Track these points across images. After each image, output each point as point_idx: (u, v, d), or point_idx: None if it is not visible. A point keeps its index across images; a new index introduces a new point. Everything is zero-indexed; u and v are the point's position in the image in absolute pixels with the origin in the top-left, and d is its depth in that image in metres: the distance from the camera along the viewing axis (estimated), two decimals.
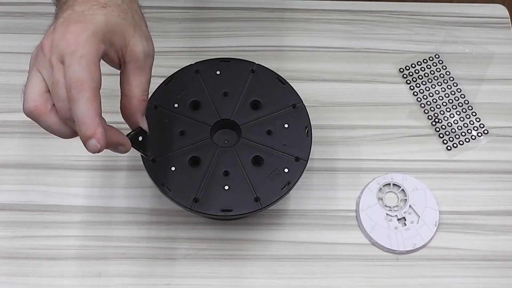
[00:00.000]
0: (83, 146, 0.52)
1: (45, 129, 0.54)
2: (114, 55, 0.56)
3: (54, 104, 0.53)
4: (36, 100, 0.52)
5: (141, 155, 0.65)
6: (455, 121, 0.80)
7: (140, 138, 0.60)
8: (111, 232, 0.73)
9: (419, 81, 0.83)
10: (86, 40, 0.51)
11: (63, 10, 0.55)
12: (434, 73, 0.84)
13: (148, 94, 0.58)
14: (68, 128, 0.54)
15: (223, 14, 0.86)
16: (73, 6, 0.54)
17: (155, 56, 0.59)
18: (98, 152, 0.52)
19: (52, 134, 0.78)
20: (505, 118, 0.81)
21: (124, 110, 0.58)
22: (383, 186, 0.76)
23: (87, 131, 0.51)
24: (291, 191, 0.67)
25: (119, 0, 0.56)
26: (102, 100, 0.52)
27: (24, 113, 0.53)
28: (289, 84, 0.71)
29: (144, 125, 0.59)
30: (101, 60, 0.54)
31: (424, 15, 0.87)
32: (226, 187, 0.66)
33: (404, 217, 0.74)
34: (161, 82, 0.70)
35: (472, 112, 0.81)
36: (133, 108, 0.57)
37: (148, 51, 0.57)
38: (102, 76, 0.53)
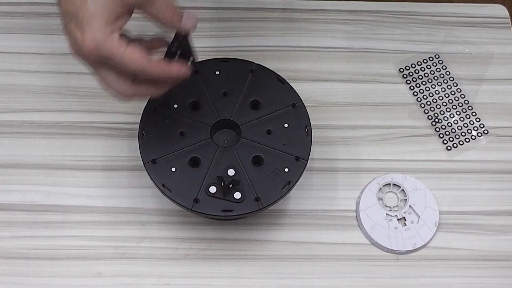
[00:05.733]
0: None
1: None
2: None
3: None
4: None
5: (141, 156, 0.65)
6: (455, 121, 0.80)
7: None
8: (111, 232, 0.73)
9: (419, 81, 0.83)
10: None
11: None
12: (434, 73, 0.84)
13: (175, 4, 0.58)
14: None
15: (223, 14, 0.86)
16: None
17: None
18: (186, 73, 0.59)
19: (51, 134, 0.78)
20: (505, 118, 0.81)
21: (165, 27, 0.59)
22: (383, 186, 0.76)
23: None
24: (291, 191, 0.67)
25: None
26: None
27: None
28: (289, 84, 0.71)
29: (187, 24, 0.59)
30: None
31: (424, 15, 0.87)
32: None
33: (404, 217, 0.74)
34: None
35: (472, 112, 0.81)
36: (169, 25, 0.58)
37: None
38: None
